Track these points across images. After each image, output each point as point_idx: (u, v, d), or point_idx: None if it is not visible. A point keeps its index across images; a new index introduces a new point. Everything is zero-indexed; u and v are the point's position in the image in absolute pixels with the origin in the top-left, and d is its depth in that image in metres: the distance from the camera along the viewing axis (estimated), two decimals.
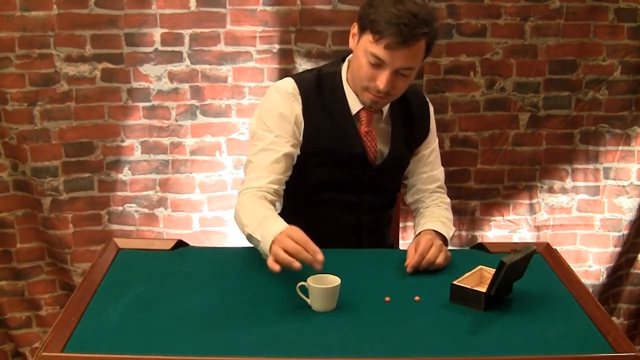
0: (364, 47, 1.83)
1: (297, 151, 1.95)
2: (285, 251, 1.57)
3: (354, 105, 1.96)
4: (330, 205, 2.04)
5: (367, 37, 1.81)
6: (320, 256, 1.56)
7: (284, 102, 1.94)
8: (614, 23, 2.75)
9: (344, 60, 2.00)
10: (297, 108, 1.94)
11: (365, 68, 1.84)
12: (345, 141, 1.97)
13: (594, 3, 2.72)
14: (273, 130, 1.92)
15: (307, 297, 1.59)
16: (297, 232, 1.61)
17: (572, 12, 2.73)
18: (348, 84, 1.97)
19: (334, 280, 1.59)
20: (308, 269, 1.58)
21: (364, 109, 1.97)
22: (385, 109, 2.01)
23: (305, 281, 1.58)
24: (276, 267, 1.57)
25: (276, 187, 1.89)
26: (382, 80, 1.82)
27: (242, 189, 1.90)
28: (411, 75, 1.87)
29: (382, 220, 2.16)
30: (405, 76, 1.85)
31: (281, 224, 1.67)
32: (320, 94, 1.96)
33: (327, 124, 1.96)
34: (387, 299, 1.65)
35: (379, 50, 1.79)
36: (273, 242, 1.62)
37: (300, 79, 1.98)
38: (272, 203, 1.87)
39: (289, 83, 1.96)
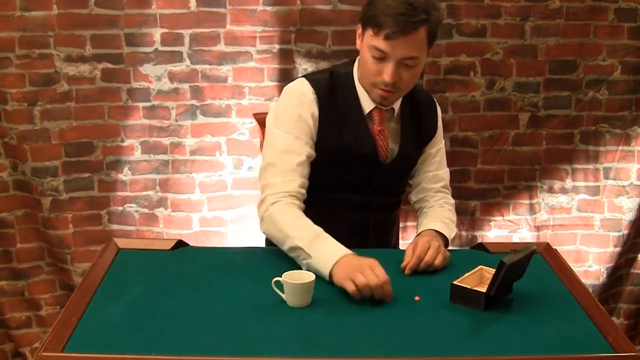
0: (367, 44, 1.86)
1: (314, 153, 1.96)
2: (367, 284, 1.61)
3: (366, 105, 1.97)
4: (339, 205, 2.04)
5: (369, 33, 1.84)
6: (388, 288, 1.63)
7: (301, 104, 1.94)
8: (614, 23, 2.75)
9: (355, 61, 2.01)
10: (314, 109, 1.95)
11: (370, 63, 1.87)
12: (357, 141, 1.98)
13: (594, 3, 2.72)
14: (292, 132, 1.93)
15: (282, 292, 1.61)
16: (373, 262, 1.66)
17: (572, 12, 2.73)
18: (359, 83, 1.98)
19: (309, 277, 1.61)
20: (285, 267, 1.59)
21: (376, 108, 1.97)
22: (397, 107, 2.01)
23: (288, 278, 1.61)
24: (359, 296, 1.63)
25: (303, 191, 1.91)
26: (387, 72, 1.84)
27: (271, 192, 1.89)
28: (417, 66, 1.87)
29: (388, 222, 2.18)
30: (410, 67, 1.85)
31: (339, 248, 1.74)
32: (333, 95, 1.97)
33: (340, 124, 1.97)
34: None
35: (379, 42, 1.81)
36: (342, 269, 1.67)
37: (314, 80, 1.99)
38: (302, 210, 1.89)
39: (305, 85, 1.97)
